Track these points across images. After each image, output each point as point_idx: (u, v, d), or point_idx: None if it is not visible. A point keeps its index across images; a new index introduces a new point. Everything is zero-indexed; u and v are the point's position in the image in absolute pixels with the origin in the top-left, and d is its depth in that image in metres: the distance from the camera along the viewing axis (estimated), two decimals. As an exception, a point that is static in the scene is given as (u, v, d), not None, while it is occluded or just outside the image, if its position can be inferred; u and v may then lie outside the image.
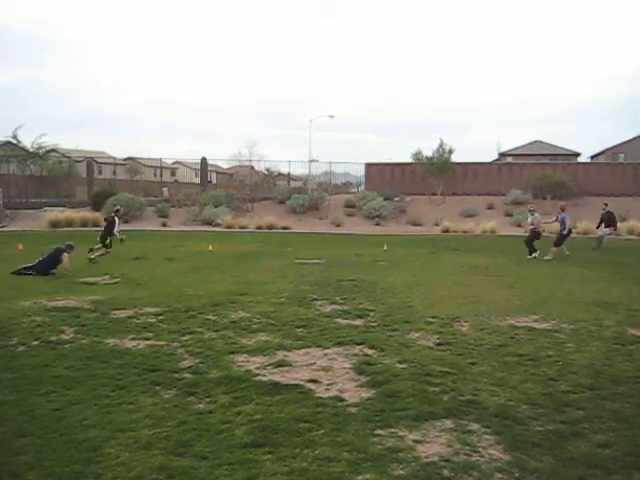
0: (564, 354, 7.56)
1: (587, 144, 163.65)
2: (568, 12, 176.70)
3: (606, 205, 23.85)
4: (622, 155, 58.80)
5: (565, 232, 19.64)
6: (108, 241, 18.17)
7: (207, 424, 5.12)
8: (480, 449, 4.71)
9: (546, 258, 18.94)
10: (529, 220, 20.59)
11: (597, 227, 24.53)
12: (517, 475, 4.29)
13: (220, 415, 5.34)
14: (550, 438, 4.90)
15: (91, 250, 17.51)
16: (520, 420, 5.29)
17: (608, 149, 64.30)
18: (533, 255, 19.35)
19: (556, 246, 19.55)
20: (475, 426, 5.16)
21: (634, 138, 62.72)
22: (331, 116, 65.42)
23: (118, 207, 21.26)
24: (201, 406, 5.61)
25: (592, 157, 67.31)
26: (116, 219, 18.83)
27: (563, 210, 20.26)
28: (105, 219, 19.77)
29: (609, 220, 23.49)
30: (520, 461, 4.48)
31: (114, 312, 9.86)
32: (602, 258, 19.60)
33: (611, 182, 39.61)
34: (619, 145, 63.21)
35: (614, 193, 35.28)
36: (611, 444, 4.79)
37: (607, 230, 23.50)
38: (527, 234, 20.67)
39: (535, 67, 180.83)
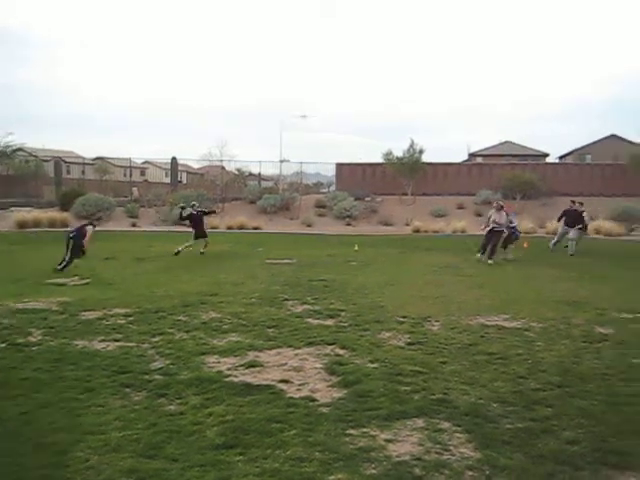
0: (534, 352, 7.64)
1: (555, 145, 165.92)
2: (539, 15, 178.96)
3: (574, 203, 23.17)
4: (589, 156, 59.55)
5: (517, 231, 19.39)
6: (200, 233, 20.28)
7: (178, 426, 5.08)
8: (451, 447, 4.74)
9: (510, 258, 18.90)
10: (501, 220, 18.36)
11: (558, 220, 23.50)
12: (488, 473, 4.32)
13: (191, 416, 5.30)
14: (520, 436, 4.95)
15: (202, 253, 19.81)
16: (490, 418, 5.33)
17: (576, 150, 65.08)
18: (483, 257, 18.32)
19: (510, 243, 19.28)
20: (446, 425, 5.19)
21: (601, 139, 63.55)
22: (303, 116, 65.27)
23: (194, 202, 22.79)
24: (172, 408, 5.56)
25: (560, 158, 68.03)
26: (198, 210, 20.93)
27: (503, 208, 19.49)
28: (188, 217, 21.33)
29: (570, 218, 22.22)
30: (490, 459, 4.52)
31: (83, 313, 9.73)
32: (570, 258, 19.82)
33: (579, 182, 40.09)
34: (586, 146, 63.94)
35: (583, 193, 35.72)
36: (579, 441, 4.86)
37: (566, 230, 22.22)
38: (489, 232, 18.54)
39: (506, 71, 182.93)
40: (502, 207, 18.95)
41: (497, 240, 18.55)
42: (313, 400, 5.80)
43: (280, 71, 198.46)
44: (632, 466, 4.45)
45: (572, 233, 21.77)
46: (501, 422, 5.25)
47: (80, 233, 15.28)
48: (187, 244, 19.74)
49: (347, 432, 5.00)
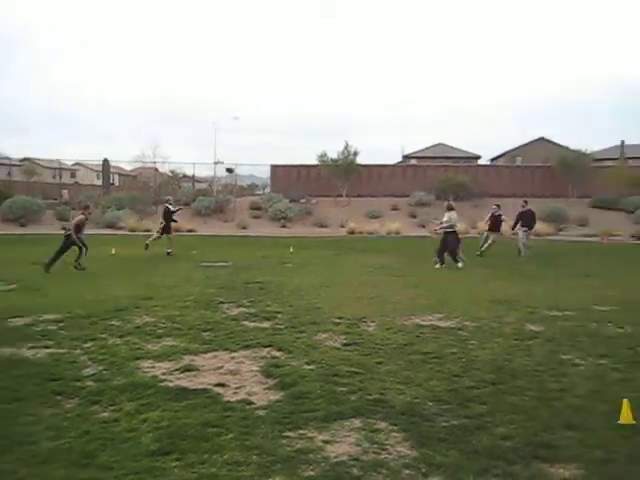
0: (467, 351, 7.77)
1: (487, 148, 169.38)
2: (468, 19, 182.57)
3: (526, 202, 22.37)
4: (520, 158, 61.02)
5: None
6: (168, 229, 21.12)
7: (112, 433, 4.96)
8: (388, 447, 4.77)
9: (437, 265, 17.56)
10: (453, 221, 17.68)
11: (513, 227, 22.33)
12: (424, 470, 4.36)
13: (125, 423, 5.18)
14: (455, 433, 5.02)
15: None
16: (426, 417, 5.39)
17: (507, 152, 66.57)
18: (460, 263, 17.29)
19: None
20: (383, 424, 5.23)
21: (531, 142, 65.15)
22: (235, 118, 65.10)
23: (168, 197, 24.60)
24: (105, 415, 5.42)
25: (492, 160, 69.52)
26: (170, 207, 21.63)
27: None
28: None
29: (527, 219, 21.62)
30: (427, 457, 4.56)
31: (10, 320, 9.40)
32: (502, 259, 20.20)
33: (510, 184, 41.24)
34: (517, 148, 65.48)
35: (516, 194, 36.65)
36: (512, 436, 4.95)
37: (524, 232, 21.43)
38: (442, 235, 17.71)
39: (438, 74, 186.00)
40: (452, 207, 18.17)
41: (452, 240, 17.53)
42: (250, 403, 5.76)
43: (210, 70, 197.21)
44: (561, 459, 4.57)
45: (521, 235, 21.47)
46: (436, 420, 5.31)
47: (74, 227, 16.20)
48: (167, 240, 20.80)
49: (284, 434, 4.98)
